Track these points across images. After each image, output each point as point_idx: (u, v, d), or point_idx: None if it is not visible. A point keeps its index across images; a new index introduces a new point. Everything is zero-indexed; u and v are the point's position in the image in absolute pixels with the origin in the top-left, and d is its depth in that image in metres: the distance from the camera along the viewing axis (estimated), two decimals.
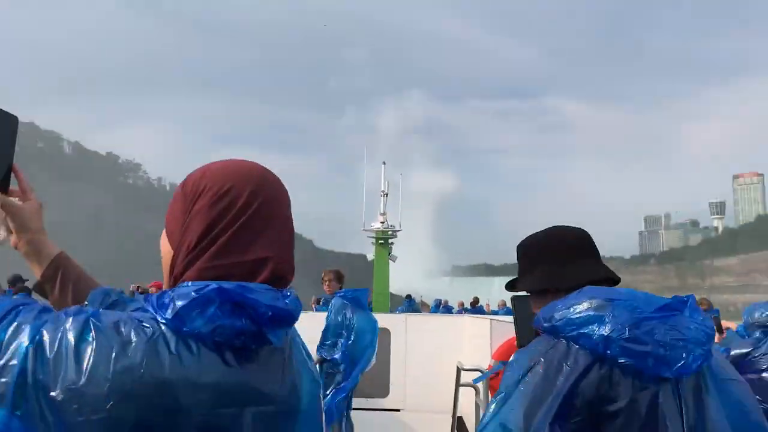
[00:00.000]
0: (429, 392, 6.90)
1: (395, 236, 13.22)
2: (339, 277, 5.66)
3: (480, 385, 4.86)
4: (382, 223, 13.24)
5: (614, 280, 1.55)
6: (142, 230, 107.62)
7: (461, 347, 7.17)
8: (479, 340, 6.53)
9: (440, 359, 6.86)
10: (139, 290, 10.10)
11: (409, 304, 17.08)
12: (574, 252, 1.59)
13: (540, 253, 1.62)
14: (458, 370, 5.59)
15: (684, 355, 1.29)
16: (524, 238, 1.69)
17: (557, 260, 1.58)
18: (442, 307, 17.89)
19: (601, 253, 1.65)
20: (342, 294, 5.23)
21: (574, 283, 1.48)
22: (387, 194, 12.98)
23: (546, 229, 1.67)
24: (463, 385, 5.52)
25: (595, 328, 1.30)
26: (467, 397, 5.83)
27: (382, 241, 13.44)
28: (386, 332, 7.33)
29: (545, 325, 1.39)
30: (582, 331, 1.31)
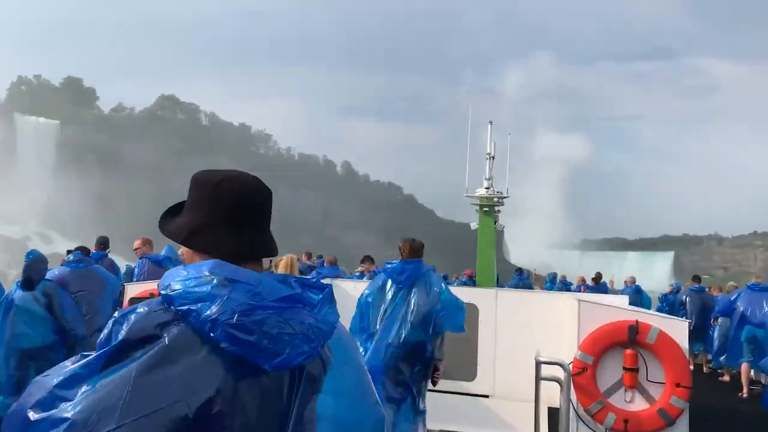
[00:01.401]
0: (522, 379, 5.88)
1: (502, 203, 11.89)
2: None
3: (563, 378, 4.51)
4: (487, 188, 11.95)
5: (254, 255, 1.39)
6: (272, 197, 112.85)
7: (550, 330, 6.12)
8: (566, 324, 5.60)
9: (533, 342, 5.80)
10: None
11: (519, 278, 15.69)
12: (240, 213, 1.38)
13: (212, 200, 1.37)
14: (537, 364, 4.71)
15: (288, 350, 1.22)
16: (205, 171, 1.44)
17: (219, 216, 1.37)
18: (559, 282, 16.29)
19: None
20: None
21: (223, 249, 1.34)
22: (493, 157, 11.64)
23: (235, 173, 1.42)
24: (544, 379, 4.69)
25: (205, 307, 1.20)
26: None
27: (486, 209, 12.16)
28: (473, 309, 6.36)
29: (162, 291, 1.25)
30: (192, 307, 1.20)
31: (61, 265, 6.50)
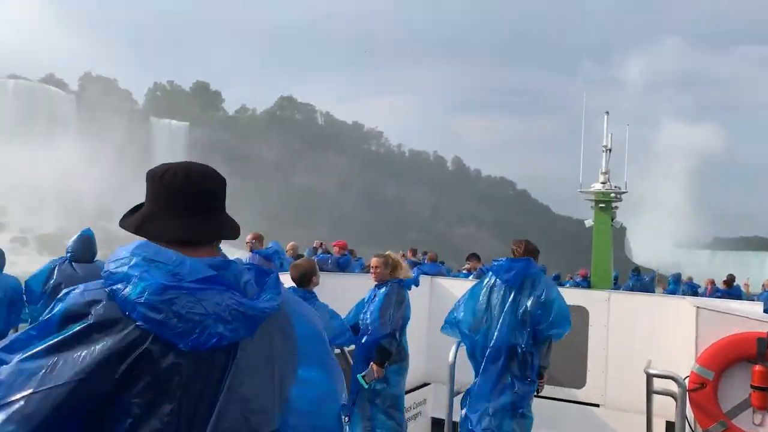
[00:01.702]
0: (635, 389, 5.53)
1: (620, 199, 11.23)
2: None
3: (677, 393, 4.17)
4: (604, 183, 11.32)
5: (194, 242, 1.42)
6: (383, 193, 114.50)
7: (665, 339, 5.63)
8: (683, 333, 5.11)
9: (646, 350, 5.39)
10: (322, 246, 10.09)
11: (637, 279, 14.63)
12: (183, 201, 1.43)
13: (155, 190, 1.44)
14: (648, 376, 4.34)
15: (198, 330, 1.26)
16: (157, 166, 1.48)
17: (163, 205, 1.43)
18: (684, 284, 15.07)
19: None
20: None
21: (164, 235, 1.40)
22: (610, 150, 11.01)
23: (182, 164, 1.48)
24: (656, 393, 4.33)
25: (122, 286, 1.27)
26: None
27: (602, 205, 11.54)
28: (583, 312, 6.02)
29: (104, 271, 1.33)
30: (114, 287, 1.28)
31: None
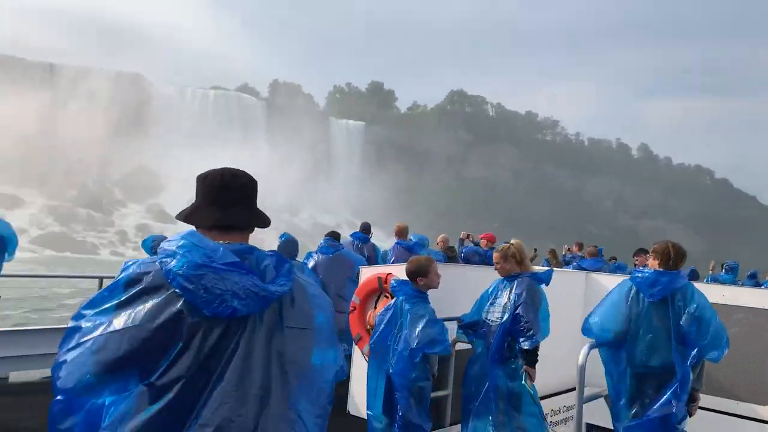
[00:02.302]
0: None
1: None
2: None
3: None
4: None
5: (242, 227, 1.85)
6: (560, 185, 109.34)
7: None
8: None
9: None
10: (469, 238, 9.35)
11: None
12: (216, 197, 1.84)
13: (201, 188, 1.87)
14: None
15: (217, 301, 1.63)
16: (205, 171, 1.92)
17: (204, 200, 1.85)
18: None
19: None
20: None
21: (205, 222, 1.82)
22: None
23: (220, 168, 1.90)
24: None
25: (169, 260, 1.67)
26: None
27: None
28: (763, 314, 5.00)
29: (159, 248, 1.74)
30: (164, 260, 1.68)
31: (316, 251, 6.79)
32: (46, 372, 6.29)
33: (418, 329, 3.95)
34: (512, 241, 4.43)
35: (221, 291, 1.65)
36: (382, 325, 4.17)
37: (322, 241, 6.77)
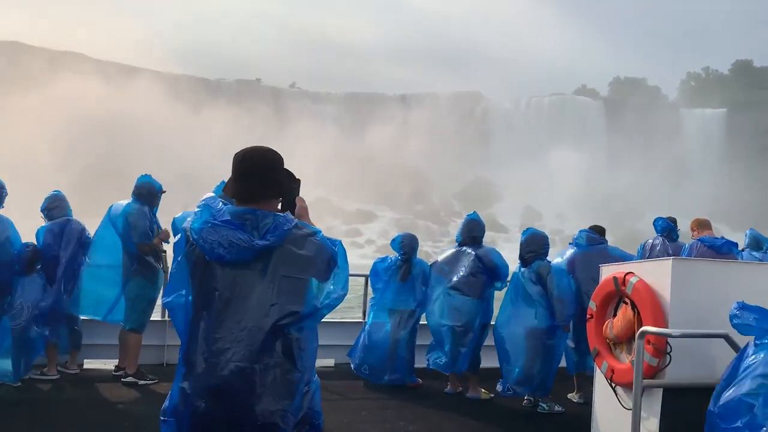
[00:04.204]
0: None
1: None
2: None
3: None
4: None
5: (249, 198, 2.32)
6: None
7: None
8: None
9: None
10: None
11: None
12: (238, 170, 2.35)
13: (233, 165, 2.37)
14: None
15: (213, 248, 2.20)
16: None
17: (232, 174, 2.36)
18: None
19: None
20: None
21: (228, 193, 2.37)
22: None
23: (247, 148, 2.41)
24: None
25: (192, 218, 2.30)
26: None
27: None
28: None
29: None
30: (191, 218, 2.31)
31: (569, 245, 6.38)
32: (320, 362, 6.96)
33: None
34: None
35: (212, 241, 2.20)
36: None
37: (577, 234, 6.31)
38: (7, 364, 5.54)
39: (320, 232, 2.31)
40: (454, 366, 6.09)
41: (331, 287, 2.32)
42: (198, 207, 2.29)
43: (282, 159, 2.41)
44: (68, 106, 60.43)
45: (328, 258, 2.28)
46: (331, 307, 2.32)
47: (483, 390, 6.23)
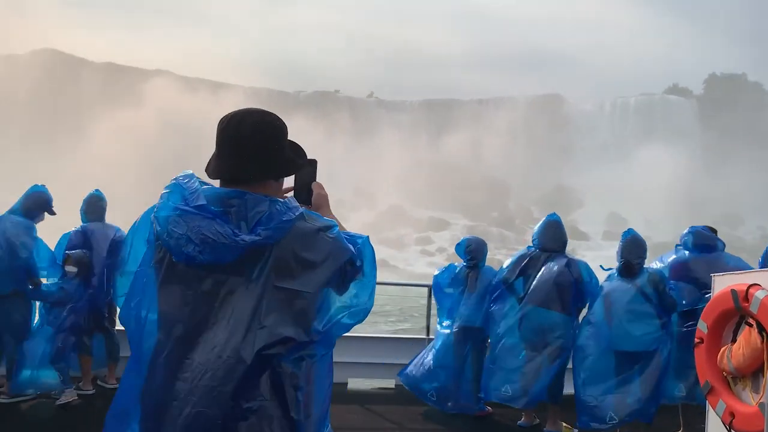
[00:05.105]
0: None
1: None
2: None
3: None
4: None
5: (236, 179, 1.64)
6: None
7: None
8: None
9: None
10: None
11: None
12: (223, 140, 1.67)
13: (217, 134, 1.70)
14: None
15: (180, 245, 1.54)
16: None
17: (216, 149, 1.68)
18: None
19: None
20: None
21: (208, 173, 1.69)
22: None
23: (235, 111, 1.71)
24: None
25: (155, 207, 1.62)
26: None
27: None
28: None
29: None
30: (159, 202, 1.63)
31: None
32: (379, 382, 6.65)
33: None
34: None
35: (177, 236, 1.54)
36: None
37: (686, 233, 5.31)
38: (52, 375, 5.26)
39: (336, 226, 1.66)
40: (527, 397, 5.23)
41: (352, 300, 1.68)
42: (166, 188, 1.63)
43: (286, 127, 1.74)
44: (158, 120, 63.71)
45: (347, 261, 1.62)
46: (347, 326, 1.68)
47: (565, 424, 5.32)
